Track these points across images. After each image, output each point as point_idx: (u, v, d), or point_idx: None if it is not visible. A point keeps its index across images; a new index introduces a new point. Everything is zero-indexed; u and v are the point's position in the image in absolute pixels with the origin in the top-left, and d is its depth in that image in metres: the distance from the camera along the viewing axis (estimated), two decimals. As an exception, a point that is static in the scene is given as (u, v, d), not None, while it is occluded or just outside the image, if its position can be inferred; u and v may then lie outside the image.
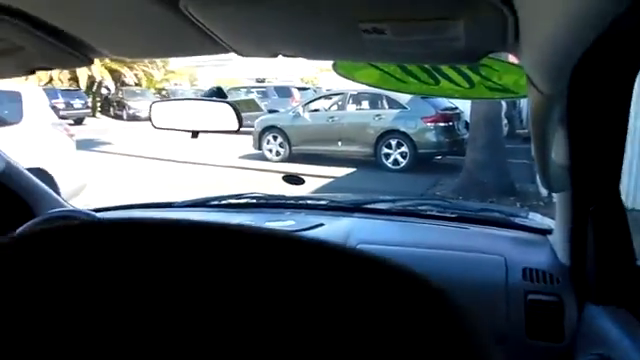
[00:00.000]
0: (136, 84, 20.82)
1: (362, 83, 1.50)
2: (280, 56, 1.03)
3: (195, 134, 1.16)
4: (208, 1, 0.75)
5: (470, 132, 7.18)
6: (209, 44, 0.92)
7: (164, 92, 21.67)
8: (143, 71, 21.01)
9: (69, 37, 0.92)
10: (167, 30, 0.89)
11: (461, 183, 6.66)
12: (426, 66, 1.54)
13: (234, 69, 26.59)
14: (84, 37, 0.94)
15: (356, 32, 0.80)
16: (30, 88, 5.20)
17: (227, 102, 1.25)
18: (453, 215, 1.55)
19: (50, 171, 4.29)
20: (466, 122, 8.27)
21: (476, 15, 0.71)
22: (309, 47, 1.04)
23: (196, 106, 1.27)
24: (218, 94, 10.50)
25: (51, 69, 1.11)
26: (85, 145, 8.17)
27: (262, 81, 23.60)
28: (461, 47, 0.84)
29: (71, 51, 0.96)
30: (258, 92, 17.03)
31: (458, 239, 1.39)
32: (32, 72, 1.04)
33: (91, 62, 1.03)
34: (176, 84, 24.30)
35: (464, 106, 8.18)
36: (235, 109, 1.16)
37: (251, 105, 11.65)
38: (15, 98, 4.75)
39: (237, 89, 17.91)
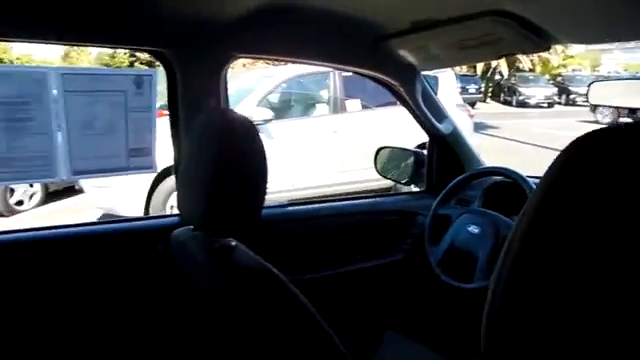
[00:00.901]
0: (530, 70, 20.51)
1: None
2: None
3: (633, 111, 1.23)
4: None
5: None
6: None
7: (559, 78, 20.53)
8: (539, 56, 20.36)
9: (535, 27, 1.15)
10: (621, 17, 0.99)
11: None
12: None
13: (650, 53, 22.47)
14: (547, 26, 1.15)
15: None
16: (446, 72, 5.96)
17: (673, 82, 1.26)
18: None
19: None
20: None
21: None
22: None
23: (636, 85, 1.34)
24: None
25: (513, 54, 1.39)
26: (475, 127, 8.75)
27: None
28: None
29: (534, 39, 1.20)
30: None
31: None
32: (499, 57, 1.35)
33: (548, 48, 1.24)
34: (574, 70, 22.57)
35: None
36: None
37: None
38: (433, 79, 5.62)
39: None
